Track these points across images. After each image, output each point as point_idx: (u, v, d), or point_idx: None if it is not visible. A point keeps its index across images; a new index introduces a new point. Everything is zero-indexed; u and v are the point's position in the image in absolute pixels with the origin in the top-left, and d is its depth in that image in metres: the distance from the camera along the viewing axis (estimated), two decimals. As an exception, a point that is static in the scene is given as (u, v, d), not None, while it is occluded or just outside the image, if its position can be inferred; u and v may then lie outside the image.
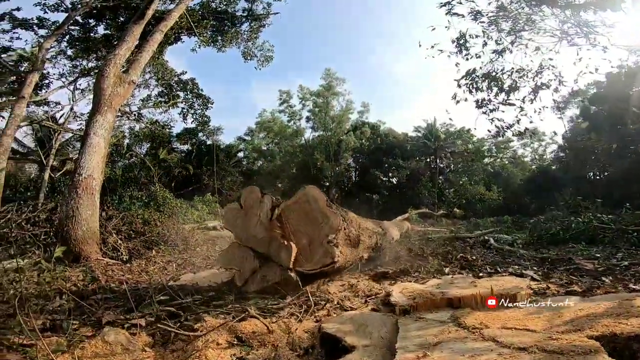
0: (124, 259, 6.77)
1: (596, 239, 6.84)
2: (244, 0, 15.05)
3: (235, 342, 1.76)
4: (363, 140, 33.07)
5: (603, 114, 15.35)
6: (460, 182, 31.41)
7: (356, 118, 35.45)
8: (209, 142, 30.00)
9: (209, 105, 21.80)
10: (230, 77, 70.10)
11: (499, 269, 3.80)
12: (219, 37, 15.33)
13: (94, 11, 13.66)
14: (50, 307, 2.13)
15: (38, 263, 2.77)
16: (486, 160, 34.12)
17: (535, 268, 4.00)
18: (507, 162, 33.93)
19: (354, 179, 35.82)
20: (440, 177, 31.55)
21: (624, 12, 5.97)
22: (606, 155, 17.32)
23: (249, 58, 16.28)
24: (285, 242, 3.31)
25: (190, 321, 2.10)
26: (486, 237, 8.54)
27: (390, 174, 33.54)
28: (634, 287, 2.50)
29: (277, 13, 15.57)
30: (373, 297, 2.68)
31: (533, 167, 31.69)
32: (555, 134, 25.17)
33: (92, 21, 14.46)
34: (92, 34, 14.84)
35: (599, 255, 5.06)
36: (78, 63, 16.39)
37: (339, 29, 75.54)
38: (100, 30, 14.80)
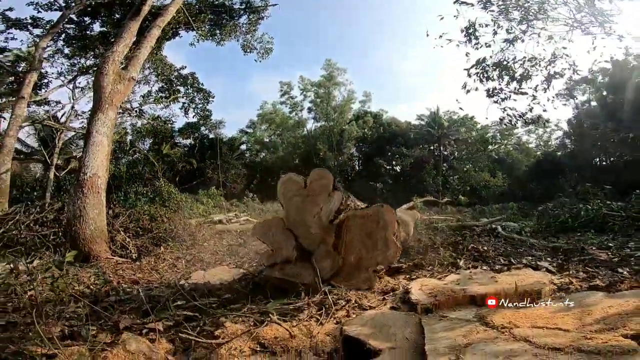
0: (133, 257, 6.82)
1: (605, 227, 6.72)
2: (241, -8, 14.78)
3: (258, 349, 1.73)
4: (366, 130, 32.91)
5: (620, 101, 15.10)
6: (465, 169, 31.28)
7: (358, 107, 35.33)
8: (211, 136, 30.03)
9: (210, 99, 21.73)
10: (229, 70, 69.39)
11: (512, 261, 3.74)
12: (218, 31, 15.15)
13: (89, 9, 13.47)
14: (67, 314, 2.11)
15: (49, 268, 2.76)
16: (490, 147, 33.84)
17: (548, 259, 3.93)
18: (511, 149, 33.63)
19: (357, 168, 35.77)
20: (445, 165, 31.44)
21: None
22: (622, 143, 17.06)
23: (248, 51, 16.13)
24: (334, 253, 3.07)
25: (208, 325, 2.08)
26: (493, 226, 8.46)
27: (393, 163, 33.46)
28: (656, 280, 2.41)
29: (275, 4, 15.32)
30: (390, 293, 2.65)
31: (538, 153, 31.39)
32: (571, 121, 24.73)
33: (87, 19, 14.31)
34: (88, 32, 14.72)
35: (611, 244, 4.96)
36: (76, 61, 16.30)
37: (339, 24, 73.78)
38: (96, 27, 14.69)
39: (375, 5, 70.64)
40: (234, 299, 2.78)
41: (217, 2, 14.55)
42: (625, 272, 3.03)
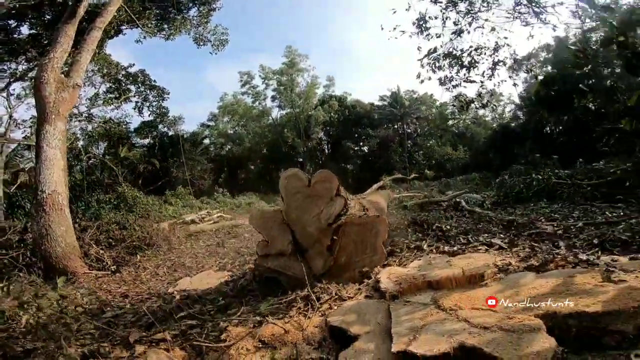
0: (112, 269, 6.78)
1: (556, 194, 7.35)
2: (189, -15, 14.05)
3: (260, 346, 2.07)
4: (332, 114, 33.24)
5: (552, 95, 16.56)
6: (428, 144, 32.69)
7: (323, 92, 35.45)
8: (170, 133, 28.80)
9: (165, 95, 20.96)
10: (179, 64, 65.84)
11: (470, 239, 4.21)
12: (165, 26, 14.29)
13: (13, 12, 12.19)
14: (79, 335, 2.28)
15: (44, 294, 2.86)
16: (450, 122, 35.48)
17: (502, 235, 4.41)
18: (470, 123, 35.42)
19: (326, 151, 36.27)
20: (409, 142, 32.69)
21: None
22: (558, 124, 18.74)
23: (202, 43, 15.46)
24: (327, 254, 3.26)
25: (211, 330, 2.38)
26: (458, 199, 8.97)
27: (361, 144, 34.34)
28: (581, 257, 2.79)
29: (225, -4, 14.72)
30: (364, 283, 3.03)
31: (494, 125, 33.29)
32: (521, 94, 26.50)
33: (12, 22, 12.84)
34: (15, 36, 13.27)
35: (558, 215, 5.45)
36: (6, 67, 14.90)
37: (297, 6, 71.48)
38: (25, 30, 13.27)
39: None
40: (227, 304, 3.07)
41: (161, -4, 13.73)
42: (562, 247, 3.47)
